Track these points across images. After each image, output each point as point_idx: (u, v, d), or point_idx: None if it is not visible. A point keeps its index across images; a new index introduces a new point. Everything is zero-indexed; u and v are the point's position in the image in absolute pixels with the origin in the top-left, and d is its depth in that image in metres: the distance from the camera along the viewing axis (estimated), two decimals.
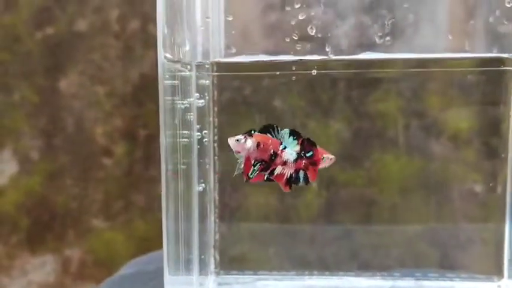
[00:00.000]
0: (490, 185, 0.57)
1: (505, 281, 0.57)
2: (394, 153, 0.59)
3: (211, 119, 0.54)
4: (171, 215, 0.45)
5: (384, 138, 0.59)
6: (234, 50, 0.49)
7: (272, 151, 0.44)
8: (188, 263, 0.49)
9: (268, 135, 0.45)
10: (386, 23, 0.47)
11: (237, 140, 0.44)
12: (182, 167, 0.47)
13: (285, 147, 0.45)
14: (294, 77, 0.46)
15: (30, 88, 1.04)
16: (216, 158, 0.56)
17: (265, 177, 0.45)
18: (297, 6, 0.48)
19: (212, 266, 0.56)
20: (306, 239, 0.61)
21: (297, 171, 0.45)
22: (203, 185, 0.52)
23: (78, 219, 1.07)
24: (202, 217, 0.54)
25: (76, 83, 1.04)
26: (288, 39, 0.50)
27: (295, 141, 0.45)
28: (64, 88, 1.04)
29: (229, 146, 0.44)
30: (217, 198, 0.56)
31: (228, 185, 0.56)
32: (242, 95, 0.57)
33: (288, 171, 0.45)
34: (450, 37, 0.53)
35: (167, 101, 0.43)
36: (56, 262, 1.09)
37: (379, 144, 0.60)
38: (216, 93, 0.55)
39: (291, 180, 0.45)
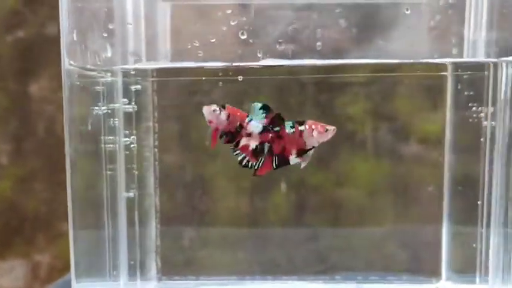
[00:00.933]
0: (429, 188, 0.57)
1: (442, 282, 0.57)
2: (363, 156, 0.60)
3: (150, 123, 0.54)
4: (77, 222, 0.45)
5: (352, 141, 0.60)
6: (169, 57, 0.49)
7: (238, 123, 0.45)
8: (114, 269, 0.48)
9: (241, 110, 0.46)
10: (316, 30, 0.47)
11: (214, 110, 0.45)
12: (108, 172, 0.47)
13: (251, 120, 0.45)
14: (220, 83, 0.46)
15: (0, 92, 1.03)
16: (156, 163, 0.56)
17: (274, 166, 0.46)
18: (229, 11, 0.48)
19: (154, 272, 0.56)
20: (275, 241, 0.61)
21: (261, 144, 0.46)
22: (134, 190, 0.52)
23: (48, 223, 1.06)
24: (142, 222, 0.54)
25: (46, 87, 1.03)
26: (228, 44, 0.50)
27: (263, 115, 0.46)
28: (35, 92, 1.04)
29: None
30: (158, 203, 0.55)
31: (168, 190, 0.56)
32: (186, 100, 0.57)
33: (253, 143, 0.46)
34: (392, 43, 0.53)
35: (74, 107, 0.43)
36: (25, 267, 1.08)
37: (348, 146, 0.60)
38: (156, 98, 0.55)
39: (257, 152, 0.46)
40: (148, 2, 0.49)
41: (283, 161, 0.46)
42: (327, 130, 0.46)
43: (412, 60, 0.53)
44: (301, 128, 0.46)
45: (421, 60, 0.52)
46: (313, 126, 0.46)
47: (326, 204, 0.60)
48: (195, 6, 0.52)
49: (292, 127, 0.46)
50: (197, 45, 0.47)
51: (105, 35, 0.44)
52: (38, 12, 1.00)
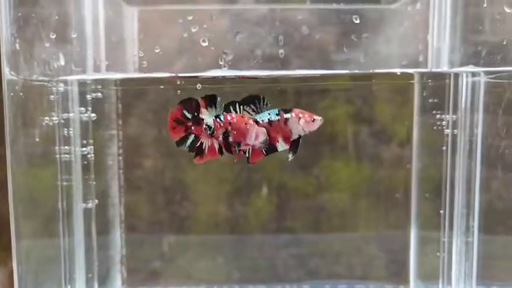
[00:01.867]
0: (396, 195, 0.57)
1: None
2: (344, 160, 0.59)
3: (114, 132, 0.53)
4: (25, 236, 0.44)
5: (333, 145, 0.59)
6: (136, 63, 0.47)
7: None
8: (71, 282, 0.47)
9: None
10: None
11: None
12: (64, 183, 0.46)
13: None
14: (179, 91, 0.45)
15: None
16: (121, 171, 0.55)
17: (264, 153, 0.45)
18: (190, 18, 0.47)
19: (119, 283, 0.55)
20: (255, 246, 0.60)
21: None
22: (91, 201, 0.51)
23: None
24: (106, 232, 0.53)
25: None
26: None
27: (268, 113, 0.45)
28: None
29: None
30: (123, 212, 0.55)
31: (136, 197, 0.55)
32: (152, 107, 0.57)
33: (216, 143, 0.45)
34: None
35: (15, 117, 0.42)
36: (2, 274, 1.06)
37: (329, 150, 0.60)
38: (120, 105, 0.54)
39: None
40: (111, 7, 0.48)
41: (271, 148, 0.45)
42: (314, 120, 0.45)
43: (371, 71, 0.52)
44: (287, 115, 0.45)
45: (387, 70, 0.51)
46: (300, 115, 0.45)
47: (306, 207, 0.60)
48: (164, 12, 0.51)
49: (277, 114, 0.45)
50: (160, 52, 0.47)
51: (48, 44, 0.43)
52: None
